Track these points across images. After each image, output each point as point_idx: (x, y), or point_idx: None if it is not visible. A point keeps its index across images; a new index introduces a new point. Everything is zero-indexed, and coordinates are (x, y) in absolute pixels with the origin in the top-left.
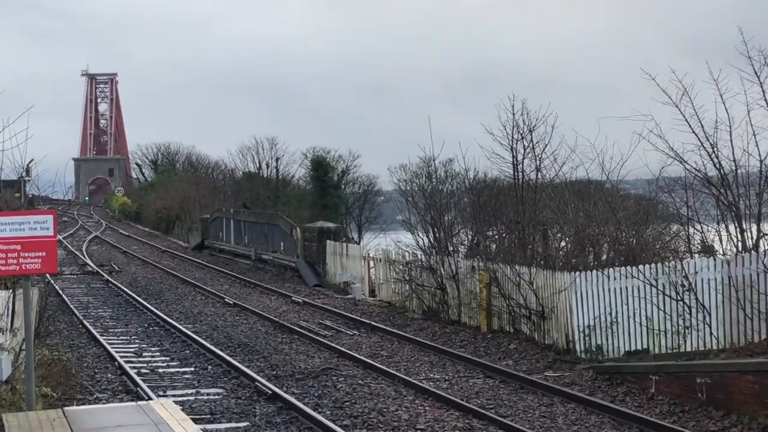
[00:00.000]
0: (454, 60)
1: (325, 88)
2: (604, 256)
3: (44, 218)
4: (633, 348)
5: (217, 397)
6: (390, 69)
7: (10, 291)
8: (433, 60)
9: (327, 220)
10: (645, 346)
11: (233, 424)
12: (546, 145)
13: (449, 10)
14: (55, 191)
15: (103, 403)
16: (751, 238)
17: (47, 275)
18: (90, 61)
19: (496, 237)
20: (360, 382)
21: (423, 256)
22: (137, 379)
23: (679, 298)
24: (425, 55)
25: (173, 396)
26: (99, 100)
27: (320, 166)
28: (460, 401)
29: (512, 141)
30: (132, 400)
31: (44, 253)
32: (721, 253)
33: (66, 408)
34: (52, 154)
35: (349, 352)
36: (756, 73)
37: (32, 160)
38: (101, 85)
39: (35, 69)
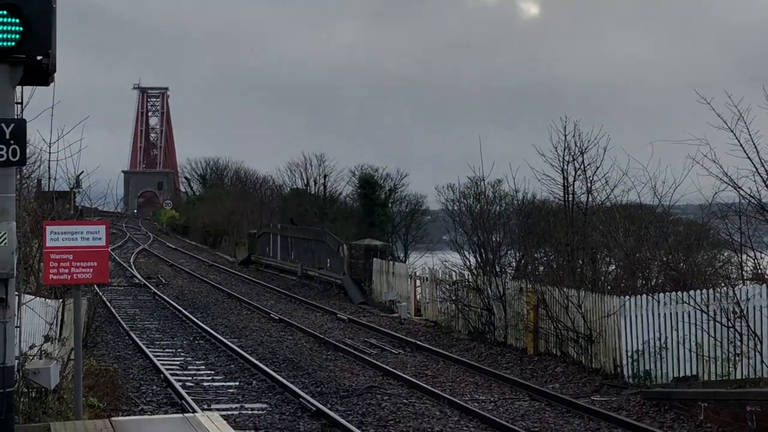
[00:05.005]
0: (506, 80)
1: (375, 105)
2: (654, 281)
3: (97, 228)
4: (682, 374)
5: (261, 412)
6: (441, 88)
7: (60, 300)
8: (485, 79)
9: (373, 238)
10: (694, 373)
11: None
12: (597, 168)
13: (504, 29)
14: (106, 203)
15: (149, 415)
16: None
17: (95, 286)
18: (141, 75)
19: (545, 259)
20: (405, 401)
21: (470, 277)
22: (182, 392)
23: (730, 324)
24: (477, 74)
25: (217, 410)
26: (150, 113)
27: (368, 184)
28: (506, 423)
29: (563, 163)
30: (177, 413)
31: (96, 264)
32: None
33: (113, 418)
34: (102, 167)
35: (393, 370)
36: None
37: (82, 171)
38: (152, 99)
39: (87, 80)
